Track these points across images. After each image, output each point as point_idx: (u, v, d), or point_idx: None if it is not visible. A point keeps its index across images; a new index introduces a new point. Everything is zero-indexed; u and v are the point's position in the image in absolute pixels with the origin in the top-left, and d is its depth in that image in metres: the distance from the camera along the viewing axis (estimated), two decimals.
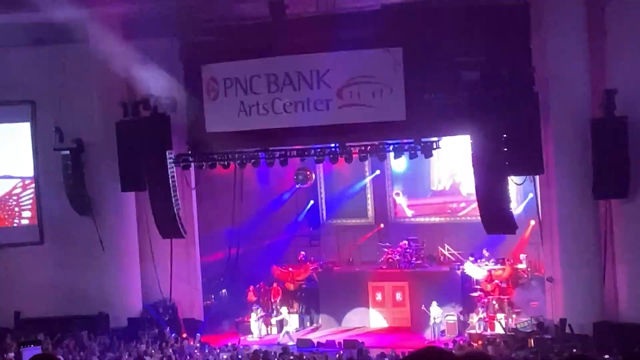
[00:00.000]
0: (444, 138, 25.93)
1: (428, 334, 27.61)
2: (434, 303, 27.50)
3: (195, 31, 26.82)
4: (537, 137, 23.29)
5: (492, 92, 23.42)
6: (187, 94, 26.79)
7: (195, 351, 25.47)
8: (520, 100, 23.20)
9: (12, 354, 24.11)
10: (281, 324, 28.37)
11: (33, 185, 29.37)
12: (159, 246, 27.79)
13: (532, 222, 27.34)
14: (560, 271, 24.97)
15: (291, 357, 24.21)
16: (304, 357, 24.25)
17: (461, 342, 26.02)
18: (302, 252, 31.11)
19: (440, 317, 27.53)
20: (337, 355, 24.75)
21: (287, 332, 28.02)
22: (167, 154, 26.37)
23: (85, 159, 28.00)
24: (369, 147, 26.37)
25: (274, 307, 29.35)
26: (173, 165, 26.66)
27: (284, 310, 28.53)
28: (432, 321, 27.46)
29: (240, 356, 24.47)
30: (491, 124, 23.36)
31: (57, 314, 27.88)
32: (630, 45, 23.24)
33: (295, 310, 29.48)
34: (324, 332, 28.95)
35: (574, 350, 22.21)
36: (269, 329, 29.03)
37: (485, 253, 28.51)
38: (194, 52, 27.16)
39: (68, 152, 27.76)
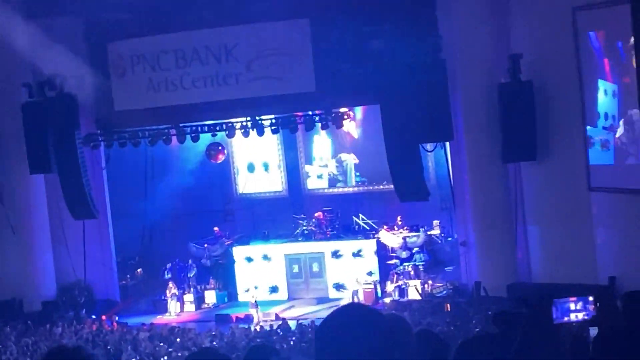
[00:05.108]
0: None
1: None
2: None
3: (100, 8, 26.32)
4: (445, 103, 23.59)
5: (400, 60, 23.56)
6: (93, 73, 26.25)
7: (113, 332, 25.23)
8: (427, 67, 23.44)
9: None
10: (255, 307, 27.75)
11: None
12: (72, 228, 27.43)
13: None
14: (473, 235, 25.36)
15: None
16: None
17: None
18: (216, 228, 30.96)
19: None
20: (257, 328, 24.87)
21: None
22: (75, 134, 26.01)
23: None
24: (280, 119, 26.45)
25: (189, 284, 29.24)
26: (82, 145, 26.33)
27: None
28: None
29: (161, 334, 24.25)
30: (400, 92, 23.53)
31: None
32: (533, 9, 23.48)
33: (212, 286, 29.36)
34: (242, 307, 28.81)
35: (489, 312, 22.56)
36: (183, 306, 28.85)
37: (399, 221, 28.80)
38: (99, 29, 26.69)
39: None
